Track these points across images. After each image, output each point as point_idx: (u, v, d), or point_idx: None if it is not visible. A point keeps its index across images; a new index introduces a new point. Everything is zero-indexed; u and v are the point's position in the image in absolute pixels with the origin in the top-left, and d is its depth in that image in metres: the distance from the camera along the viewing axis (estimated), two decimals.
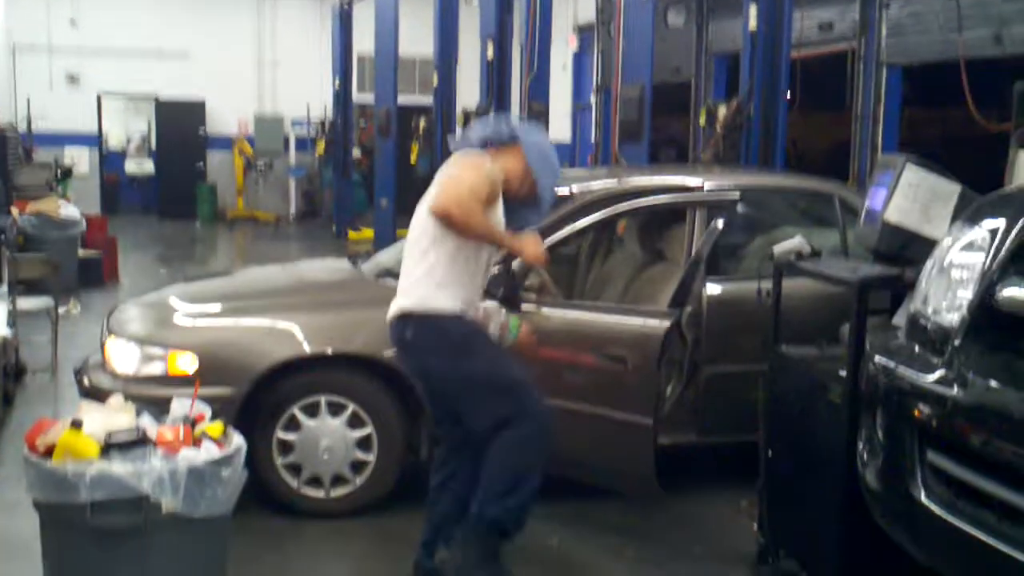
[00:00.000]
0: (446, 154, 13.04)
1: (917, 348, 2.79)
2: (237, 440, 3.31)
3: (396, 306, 3.76)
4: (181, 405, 3.40)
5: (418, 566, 3.90)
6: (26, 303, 7.24)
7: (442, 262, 3.64)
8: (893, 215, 3.80)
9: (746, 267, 5.21)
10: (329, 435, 4.57)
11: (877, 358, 2.92)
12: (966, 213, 3.06)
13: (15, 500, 4.62)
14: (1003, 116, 6.30)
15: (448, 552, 3.83)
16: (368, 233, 14.59)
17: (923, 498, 2.56)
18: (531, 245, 3.78)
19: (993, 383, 2.46)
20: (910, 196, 3.78)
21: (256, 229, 17.19)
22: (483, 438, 3.69)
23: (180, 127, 18.03)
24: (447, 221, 3.55)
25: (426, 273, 3.66)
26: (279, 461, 4.57)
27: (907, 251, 3.79)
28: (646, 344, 4.32)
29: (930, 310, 2.81)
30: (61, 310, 7.77)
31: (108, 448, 3.09)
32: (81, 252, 10.58)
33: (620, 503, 4.78)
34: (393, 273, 5.06)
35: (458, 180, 3.60)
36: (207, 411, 3.41)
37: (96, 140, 18.11)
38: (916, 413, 2.61)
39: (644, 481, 4.40)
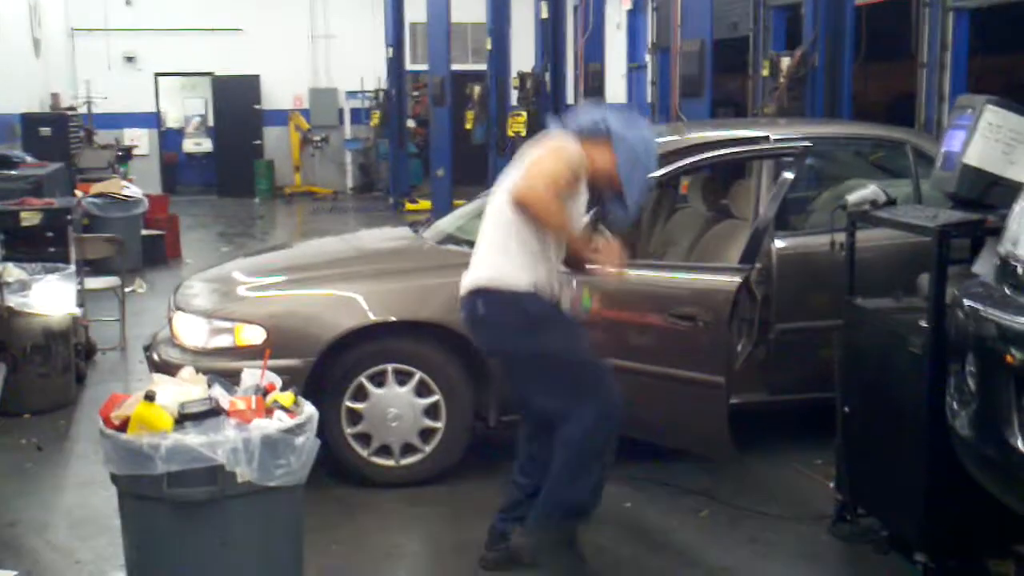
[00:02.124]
0: (502, 120, 12.87)
1: (1008, 291, 2.68)
2: (308, 409, 3.29)
3: (468, 280, 3.68)
4: (252, 375, 3.39)
5: (493, 530, 3.85)
6: (93, 282, 7.35)
7: (519, 237, 3.55)
8: (973, 158, 3.67)
9: (815, 221, 5.09)
10: (397, 404, 4.55)
11: (967, 302, 2.82)
12: None
13: (90, 477, 4.69)
14: None
15: (521, 533, 3.74)
16: (425, 204, 14.58)
17: (1021, 445, 2.46)
18: (611, 254, 3.63)
19: None
20: (991, 138, 3.64)
21: (314, 204, 17.26)
22: (551, 418, 3.63)
23: (236, 104, 18.11)
24: (524, 211, 3.47)
25: (502, 248, 3.58)
26: (348, 431, 4.56)
27: (988, 196, 3.66)
28: (717, 302, 4.22)
29: (1021, 252, 2.69)
30: (127, 288, 7.84)
31: (182, 419, 3.09)
32: (144, 231, 10.71)
33: (693, 464, 4.71)
34: (455, 239, 5.04)
35: (538, 169, 3.49)
36: (278, 381, 3.39)
37: (154, 120, 18.31)
38: (1010, 359, 2.50)
39: (717, 441, 4.31)
